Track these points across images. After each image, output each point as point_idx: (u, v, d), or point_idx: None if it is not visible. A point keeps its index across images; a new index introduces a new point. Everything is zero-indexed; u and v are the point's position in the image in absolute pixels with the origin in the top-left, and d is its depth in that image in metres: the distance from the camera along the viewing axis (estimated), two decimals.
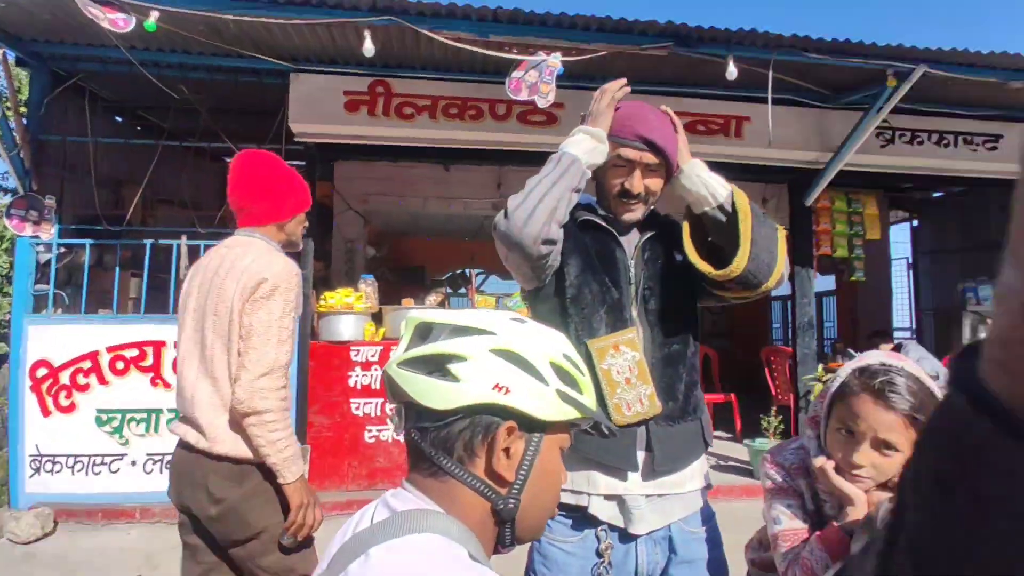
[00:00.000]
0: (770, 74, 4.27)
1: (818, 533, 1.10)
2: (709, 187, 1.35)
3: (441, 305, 5.69)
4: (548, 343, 0.76)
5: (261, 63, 4.47)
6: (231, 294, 1.63)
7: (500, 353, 0.72)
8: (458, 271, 10.76)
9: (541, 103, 3.95)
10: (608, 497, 1.30)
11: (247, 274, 1.64)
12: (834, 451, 1.12)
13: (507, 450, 0.72)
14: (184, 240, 4.64)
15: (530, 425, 0.73)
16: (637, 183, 1.36)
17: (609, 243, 1.41)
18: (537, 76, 3.91)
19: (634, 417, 1.29)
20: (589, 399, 0.78)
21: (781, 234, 1.38)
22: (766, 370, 6.83)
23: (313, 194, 5.06)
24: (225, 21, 3.79)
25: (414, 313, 0.80)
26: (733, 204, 1.34)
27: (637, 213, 1.41)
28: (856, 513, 1.07)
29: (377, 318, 5.05)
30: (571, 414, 0.75)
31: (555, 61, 3.92)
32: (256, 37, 4.20)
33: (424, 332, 0.77)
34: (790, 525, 1.16)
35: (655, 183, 1.40)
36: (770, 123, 4.45)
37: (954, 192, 7.66)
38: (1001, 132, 5.55)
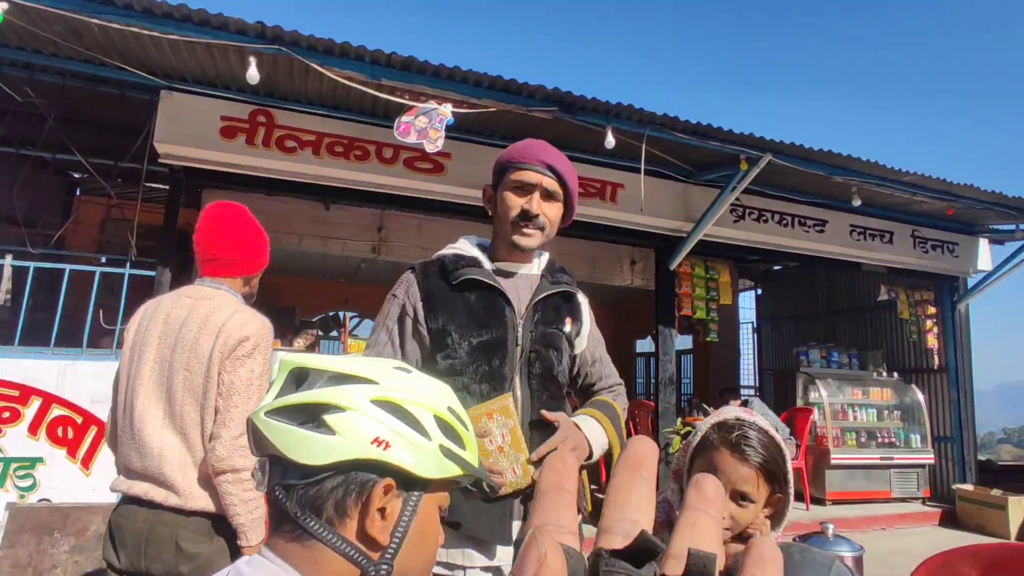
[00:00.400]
0: (643, 147, 4.64)
1: None
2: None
3: (311, 348, 5.40)
4: (433, 394, 0.73)
5: (127, 75, 4.11)
6: (207, 351, 1.61)
7: (381, 404, 0.67)
8: (331, 313, 10.31)
9: (429, 148, 3.98)
10: (485, 569, 1.26)
11: (226, 332, 1.63)
12: None
13: (383, 510, 0.66)
14: (9, 260, 4.05)
15: (409, 483, 0.68)
16: (536, 204, 1.35)
17: (498, 302, 1.35)
18: (427, 122, 3.94)
19: (507, 488, 1.25)
20: (472, 455, 0.74)
21: None
22: (630, 423, 7.14)
23: (175, 221, 4.65)
24: (88, 25, 3.46)
25: (288, 356, 0.73)
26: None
27: (534, 240, 1.37)
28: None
29: None
30: (453, 471, 0.70)
31: (445, 111, 3.98)
32: (124, 47, 3.87)
33: (299, 378, 0.70)
34: None
35: (553, 210, 1.38)
36: (642, 192, 4.80)
37: (790, 266, 8.69)
38: (827, 218, 6.43)
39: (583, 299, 1.50)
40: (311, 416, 0.66)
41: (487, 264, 1.40)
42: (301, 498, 0.65)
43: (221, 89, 4.43)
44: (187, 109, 4.36)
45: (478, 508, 1.22)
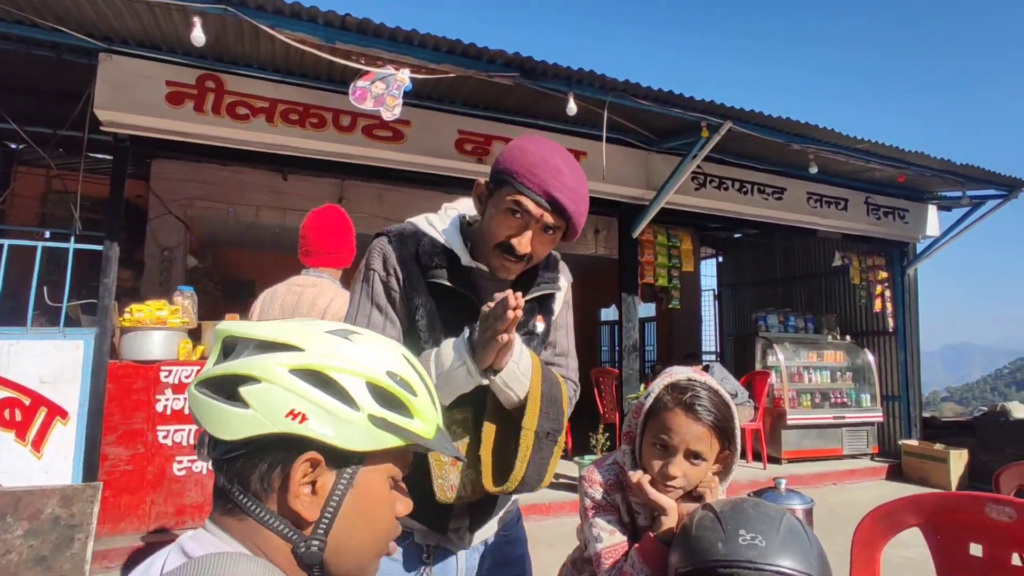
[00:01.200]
0: (605, 114, 4.61)
1: (637, 545, 1.16)
2: (508, 398, 1.20)
3: None
4: (369, 359, 0.68)
5: (63, 36, 3.86)
6: None
7: (301, 373, 0.63)
8: None
9: (387, 115, 3.87)
10: (429, 533, 1.26)
11: (330, 315, 1.97)
12: (650, 463, 1.19)
13: (313, 484, 0.63)
14: None
15: (342, 456, 0.64)
16: (525, 244, 1.17)
17: (468, 312, 1.20)
18: (384, 88, 3.83)
19: (456, 501, 1.22)
20: (422, 423, 0.70)
21: (557, 452, 1.24)
22: (595, 390, 7.26)
23: (121, 192, 4.46)
24: None
25: (223, 325, 0.69)
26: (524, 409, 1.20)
27: (514, 273, 1.24)
28: (669, 522, 1.14)
29: (196, 335, 4.55)
30: (391, 442, 0.66)
31: (403, 76, 3.87)
32: (58, 7, 3.63)
33: (229, 347, 0.67)
34: (610, 541, 1.20)
35: (544, 248, 1.21)
36: (604, 159, 4.79)
37: (750, 233, 8.85)
38: (785, 186, 6.54)
39: (564, 283, 1.39)
40: (230, 389, 0.63)
41: (465, 258, 1.25)
42: (230, 471, 0.63)
43: (166, 52, 4.21)
44: (129, 73, 4.13)
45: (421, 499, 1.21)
